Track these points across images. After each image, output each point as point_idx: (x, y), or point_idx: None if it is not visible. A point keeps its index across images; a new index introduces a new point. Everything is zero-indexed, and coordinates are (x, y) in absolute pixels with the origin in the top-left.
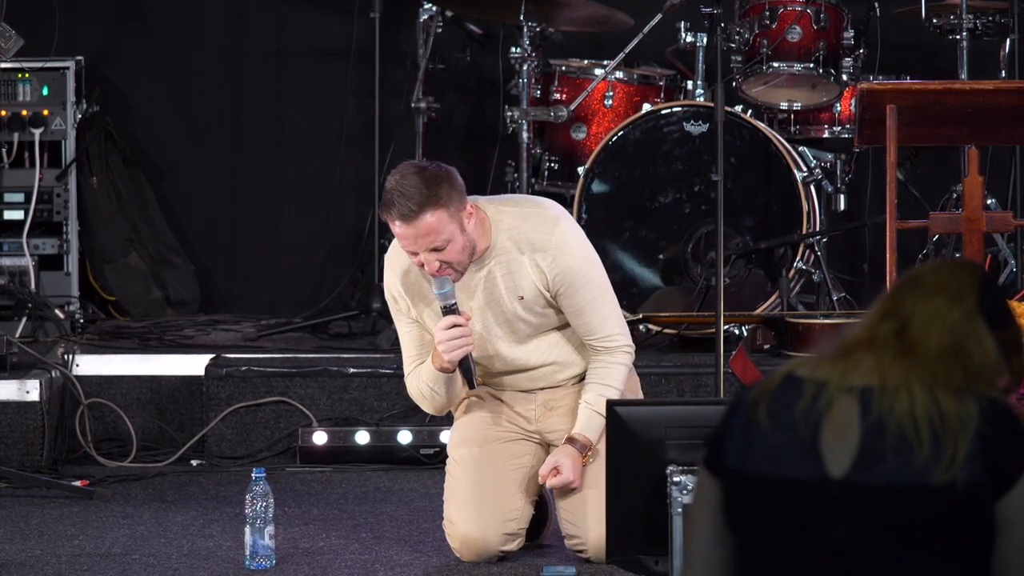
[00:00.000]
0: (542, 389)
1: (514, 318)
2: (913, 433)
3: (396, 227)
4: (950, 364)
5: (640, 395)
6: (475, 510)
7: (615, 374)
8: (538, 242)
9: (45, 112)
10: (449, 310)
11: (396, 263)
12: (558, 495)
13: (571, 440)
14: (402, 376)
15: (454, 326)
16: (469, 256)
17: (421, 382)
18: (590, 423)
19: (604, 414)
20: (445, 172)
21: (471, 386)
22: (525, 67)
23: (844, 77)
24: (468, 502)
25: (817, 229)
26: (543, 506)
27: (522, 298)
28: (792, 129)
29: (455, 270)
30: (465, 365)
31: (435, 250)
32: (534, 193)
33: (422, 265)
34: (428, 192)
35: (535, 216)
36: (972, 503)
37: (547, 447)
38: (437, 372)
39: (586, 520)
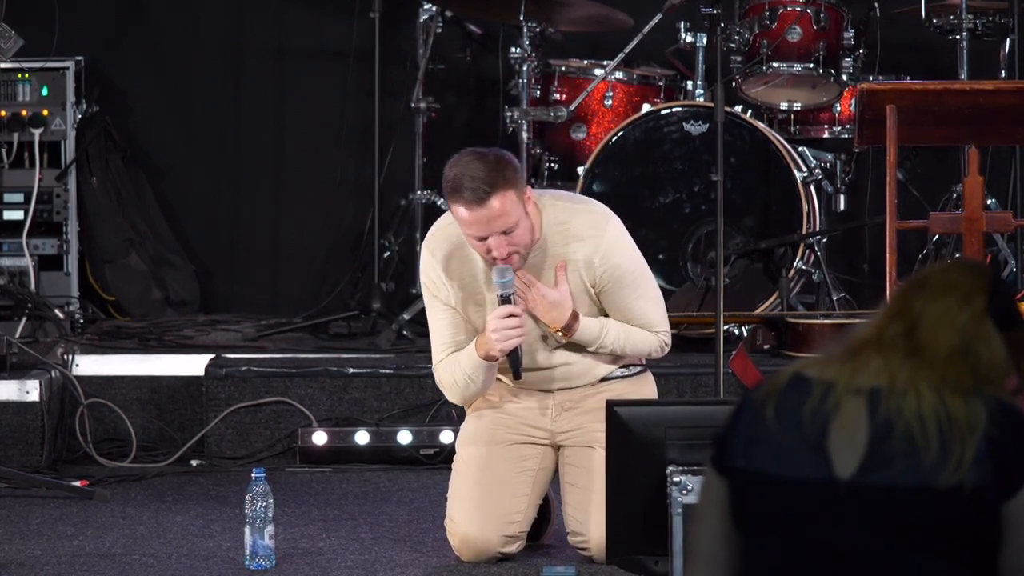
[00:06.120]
0: (560, 390)
1: None
2: (921, 434)
3: (465, 212)
4: (959, 365)
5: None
6: (477, 510)
7: (641, 334)
8: (588, 238)
9: (45, 112)
10: (506, 299)
11: (438, 248)
12: (566, 492)
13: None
14: (402, 376)
15: (510, 316)
16: (532, 240)
17: (457, 370)
18: (595, 322)
19: (609, 335)
20: (507, 156)
21: (517, 376)
22: (525, 67)
23: (844, 77)
24: (470, 501)
25: (817, 229)
26: (545, 507)
27: None
28: (792, 129)
29: (520, 255)
30: (514, 355)
31: (505, 233)
32: None
33: (489, 252)
34: (496, 174)
35: (586, 212)
36: (979, 505)
37: (555, 449)
38: (479, 360)
39: (591, 518)
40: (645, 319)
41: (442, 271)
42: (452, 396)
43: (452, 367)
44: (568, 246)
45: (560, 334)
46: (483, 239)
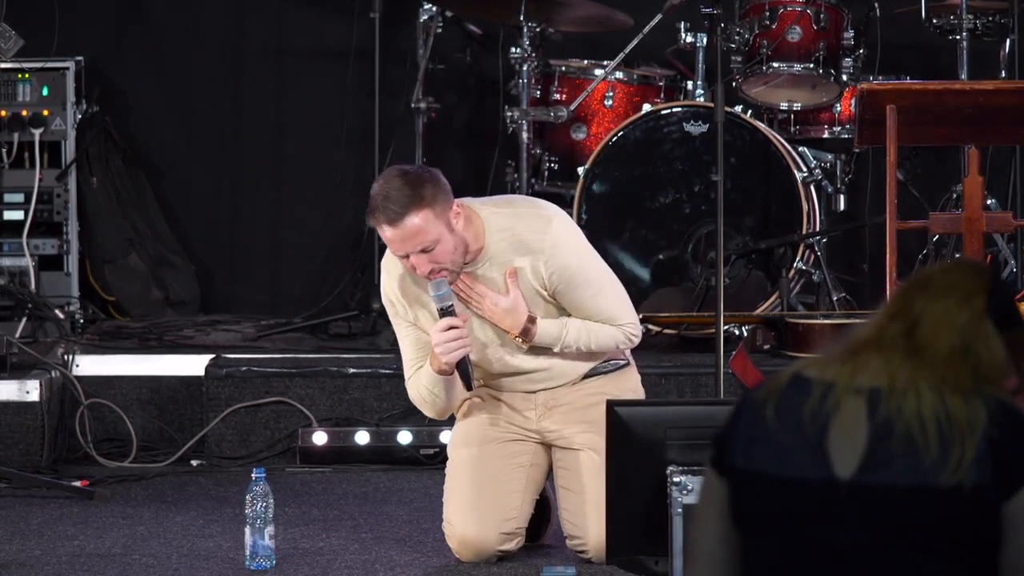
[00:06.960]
0: (542, 390)
1: None
2: (920, 434)
3: (384, 231)
4: (958, 365)
5: (641, 395)
6: (473, 510)
7: (603, 329)
8: (532, 242)
9: (45, 112)
10: (446, 312)
11: (392, 268)
12: (560, 496)
13: (531, 319)
14: (402, 376)
15: (451, 328)
16: (462, 256)
17: (421, 386)
18: (554, 324)
19: (570, 335)
20: (428, 173)
21: (468, 388)
22: (525, 67)
23: (844, 77)
24: (466, 502)
25: (817, 229)
26: (544, 506)
27: None
28: (792, 129)
29: (450, 271)
30: (463, 367)
31: (424, 251)
32: (534, 194)
33: (414, 269)
34: (412, 193)
35: (528, 216)
36: (979, 505)
37: (547, 447)
38: (435, 375)
39: (587, 520)
40: (606, 314)
41: (398, 289)
42: (425, 411)
43: (417, 384)
44: (514, 252)
45: (519, 340)
46: (405, 256)
